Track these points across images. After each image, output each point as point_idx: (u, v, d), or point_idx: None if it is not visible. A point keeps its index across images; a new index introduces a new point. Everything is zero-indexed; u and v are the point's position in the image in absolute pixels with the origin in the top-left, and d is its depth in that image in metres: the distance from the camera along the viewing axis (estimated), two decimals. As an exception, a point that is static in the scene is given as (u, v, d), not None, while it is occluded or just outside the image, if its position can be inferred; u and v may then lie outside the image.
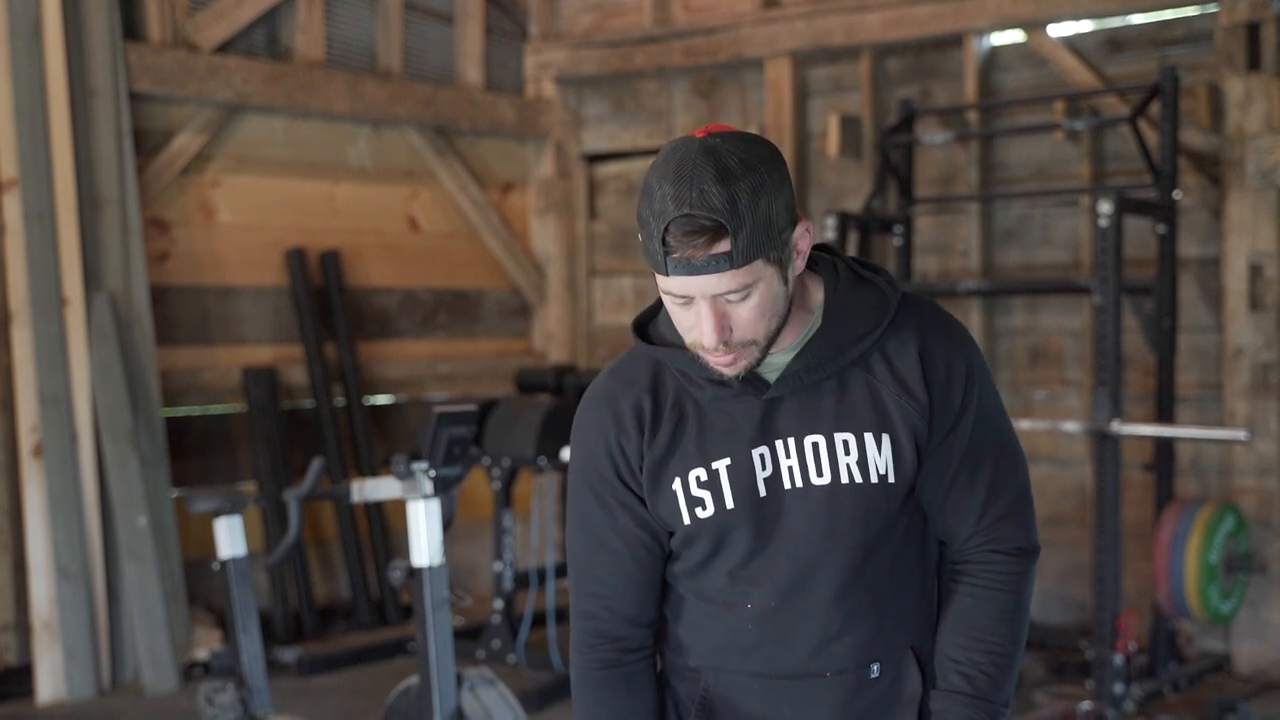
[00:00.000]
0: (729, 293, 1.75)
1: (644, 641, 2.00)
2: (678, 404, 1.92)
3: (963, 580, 1.95)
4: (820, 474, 1.88)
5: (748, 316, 1.78)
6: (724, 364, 1.82)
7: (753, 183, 1.72)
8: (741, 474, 1.88)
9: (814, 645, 1.90)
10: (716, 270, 1.72)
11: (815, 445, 1.88)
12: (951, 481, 1.93)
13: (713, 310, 1.76)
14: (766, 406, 1.89)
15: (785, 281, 1.80)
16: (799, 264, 1.83)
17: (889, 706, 1.94)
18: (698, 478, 1.89)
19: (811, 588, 1.89)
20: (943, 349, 1.91)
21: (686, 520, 1.90)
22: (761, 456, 1.89)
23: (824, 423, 1.88)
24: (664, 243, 1.72)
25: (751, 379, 1.88)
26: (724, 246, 1.71)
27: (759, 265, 1.75)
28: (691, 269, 1.73)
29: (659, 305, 1.96)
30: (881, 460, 1.88)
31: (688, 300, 1.77)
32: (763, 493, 1.88)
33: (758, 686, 1.93)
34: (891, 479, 1.88)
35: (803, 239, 1.82)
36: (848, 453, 1.87)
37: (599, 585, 1.97)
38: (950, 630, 1.94)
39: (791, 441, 1.88)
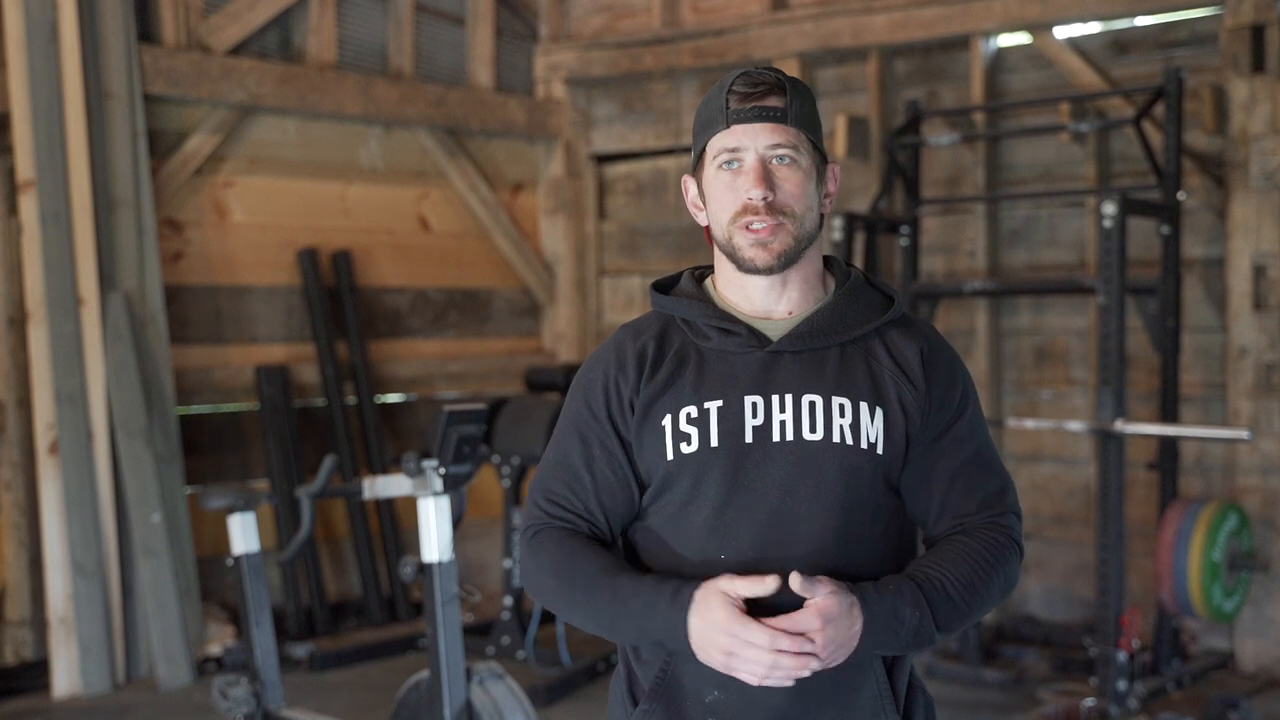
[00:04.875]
0: (777, 146, 1.93)
1: (612, 538, 2.02)
2: (681, 351, 2.00)
3: (958, 532, 1.99)
4: (814, 430, 1.94)
5: (791, 183, 1.94)
6: (763, 234, 1.93)
7: (807, 88, 2.00)
8: (731, 417, 1.94)
9: (782, 606, 1.88)
10: (770, 120, 1.93)
11: (812, 404, 1.94)
12: (954, 476, 1.98)
13: (760, 164, 1.94)
14: (767, 361, 1.96)
15: (817, 193, 1.98)
16: (827, 204, 2.02)
17: (849, 695, 1.94)
18: (688, 414, 1.95)
19: (789, 543, 1.91)
20: (945, 360, 2.03)
21: (670, 455, 1.94)
22: (754, 405, 1.94)
23: (823, 385, 1.95)
24: (728, 95, 1.95)
25: (757, 334, 1.97)
26: (779, 102, 1.95)
27: (804, 141, 1.96)
28: (747, 116, 1.93)
29: (680, 274, 2.10)
30: (873, 430, 1.95)
31: (736, 161, 1.95)
32: (749, 439, 1.93)
33: None
34: (880, 450, 1.94)
35: (832, 181, 2.02)
36: (842, 415, 1.94)
37: (569, 491, 2.01)
38: (923, 557, 1.98)
39: (789, 397, 1.95)
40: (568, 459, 2.02)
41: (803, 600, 1.87)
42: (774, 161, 1.94)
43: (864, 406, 1.95)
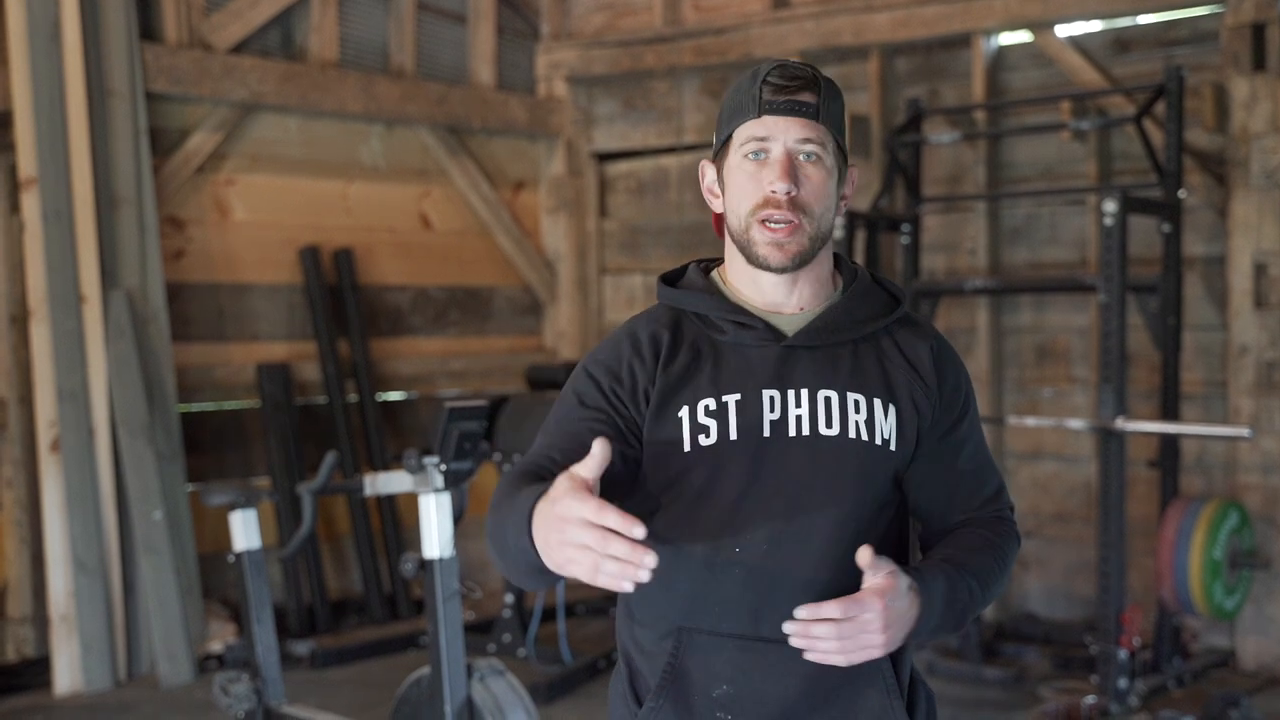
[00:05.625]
0: (806, 141, 1.92)
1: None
2: (695, 344, 1.99)
3: (967, 525, 2.03)
4: (830, 425, 1.94)
5: (815, 181, 1.93)
6: (781, 234, 1.92)
7: (837, 89, 1.99)
8: (750, 410, 1.93)
9: (796, 601, 1.87)
10: (802, 114, 1.92)
11: (828, 399, 1.95)
12: (960, 474, 2.02)
13: (787, 157, 1.92)
14: (783, 356, 1.96)
15: (836, 193, 1.97)
16: (843, 206, 2.01)
17: (857, 688, 1.94)
18: (706, 406, 1.93)
19: (803, 537, 1.91)
20: (952, 360, 2.05)
21: (687, 447, 1.92)
22: (772, 399, 1.94)
23: (838, 381, 1.96)
24: (761, 85, 1.93)
25: (771, 329, 1.97)
26: (812, 98, 1.94)
27: (830, 141, 1.95)
28: (780, 109, 1.92)
29: (686, 267, 2.09)
30: (887, 426, 1.96)
31: (763, 151, 1.93)
32: (766, 433, 1.93)
33: (731, 650, 1.93)
34: (893, 446, 1.96)
35: (850, 183, 2.02)
36: (858, 411, 1.95)
37: (532, 457, 1.90)
38: (944, 545, 2.00)
39: (805, 392, 1.95)
40: (564, 422, 1.95)
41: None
42: (801, 157, 1.93)
43: (878, 403, 1.96)
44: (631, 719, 2.00)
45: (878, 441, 1.94)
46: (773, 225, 1.92)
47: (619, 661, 2.08)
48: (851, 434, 1.94)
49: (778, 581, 1.91)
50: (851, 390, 1.95)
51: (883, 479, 1.95)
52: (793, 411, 1.94)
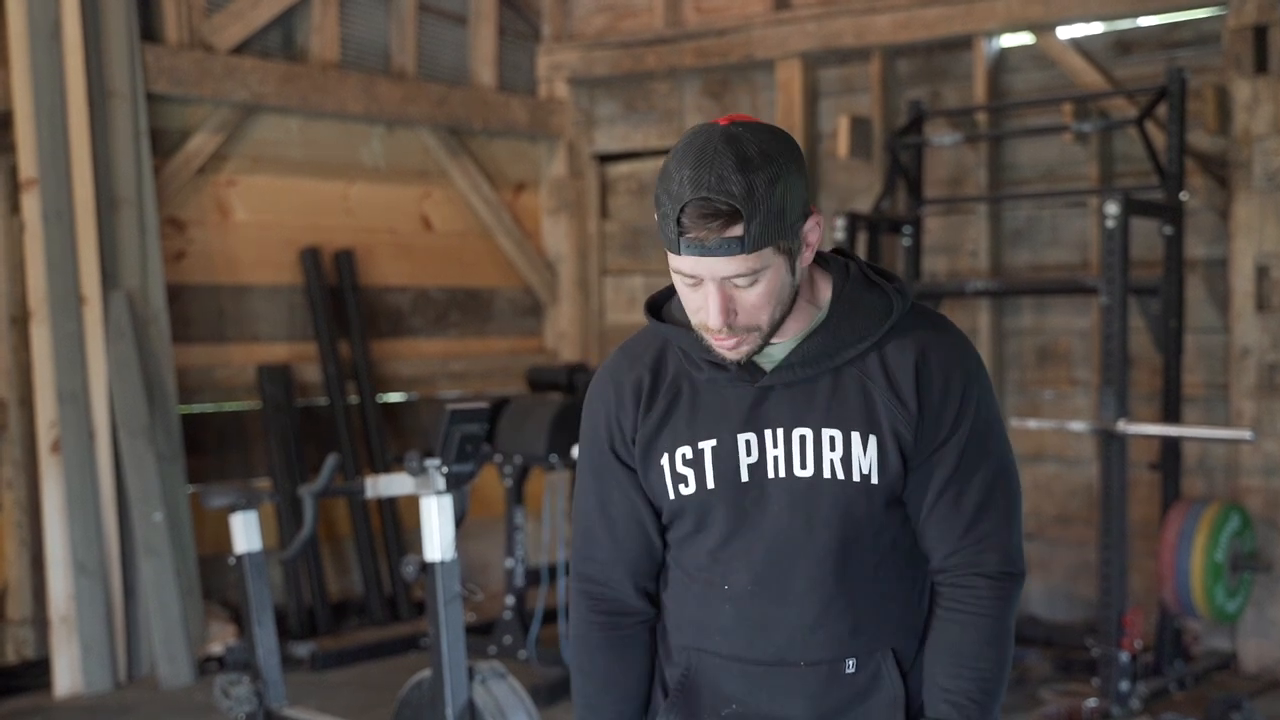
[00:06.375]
0: (737, 276, 1.79)
1: (641, 609, 2.05)
2: (675, 382, 1.97)
3: (947, 606, 1.94)
4: (804, 466, 1.90)
5: (753, 302, 1.82)
6: (727, 347, 1.87)
7: (770, 172, 1.77)
8: (725, 456, 1.92)
9: (788, 635, 1.92)
10: (728, 253, 1.76)
11: (802, 438, 1.91)
12: (938, 496, 1.92)
13: (720, 292, 1.80)
14: (759, 395, 1.93)
15: (793, 271, 1.84)
16: (808, 256, 1.87)
17: (864, 702, 1.95)
18: (683, 455, 1.94)
19: (787, 577, 1.92)
20: (941, 363, 1.92)
21: (671, 495, 1.96)
22: (748, 442, 1.92)
23: (813, 417, 1.91)
24: (679, 223, 1.76)
25: (748, 366, 1.92)
26: (737, 231, 1.75)
27: (769, 253, 1.79)
28: (704, 250, 1.77)
29: (673, 286, 2.02)
30: (866, 460, 1.89)
31: (697, 281, 1.82)
32: (745, 478, 1.92)
33: (736, 671, 1.96)
34: (875, 479, 1.90)
35: (813, 231, 1.86)
36: (833, 449, 1.90)
37: (596, 551, 2.05)
38: (937, 657, 1.94)
39: (780, 432, 1.91)
40: (591, 498, 2.05)
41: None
42: (734, 284, 1.81)
43: (855, 436, 1.89)
44: (656, 709, 2.07)
45: (856, 478, 1.89)
46: (719, 341, 1.87)
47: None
48: (826, 474, 1.90)
49: (766, 617, 1.94)
50: (828, 426, 1.89)
51: (865, 514, 1.91)
52: (770, 452, 1.92)
